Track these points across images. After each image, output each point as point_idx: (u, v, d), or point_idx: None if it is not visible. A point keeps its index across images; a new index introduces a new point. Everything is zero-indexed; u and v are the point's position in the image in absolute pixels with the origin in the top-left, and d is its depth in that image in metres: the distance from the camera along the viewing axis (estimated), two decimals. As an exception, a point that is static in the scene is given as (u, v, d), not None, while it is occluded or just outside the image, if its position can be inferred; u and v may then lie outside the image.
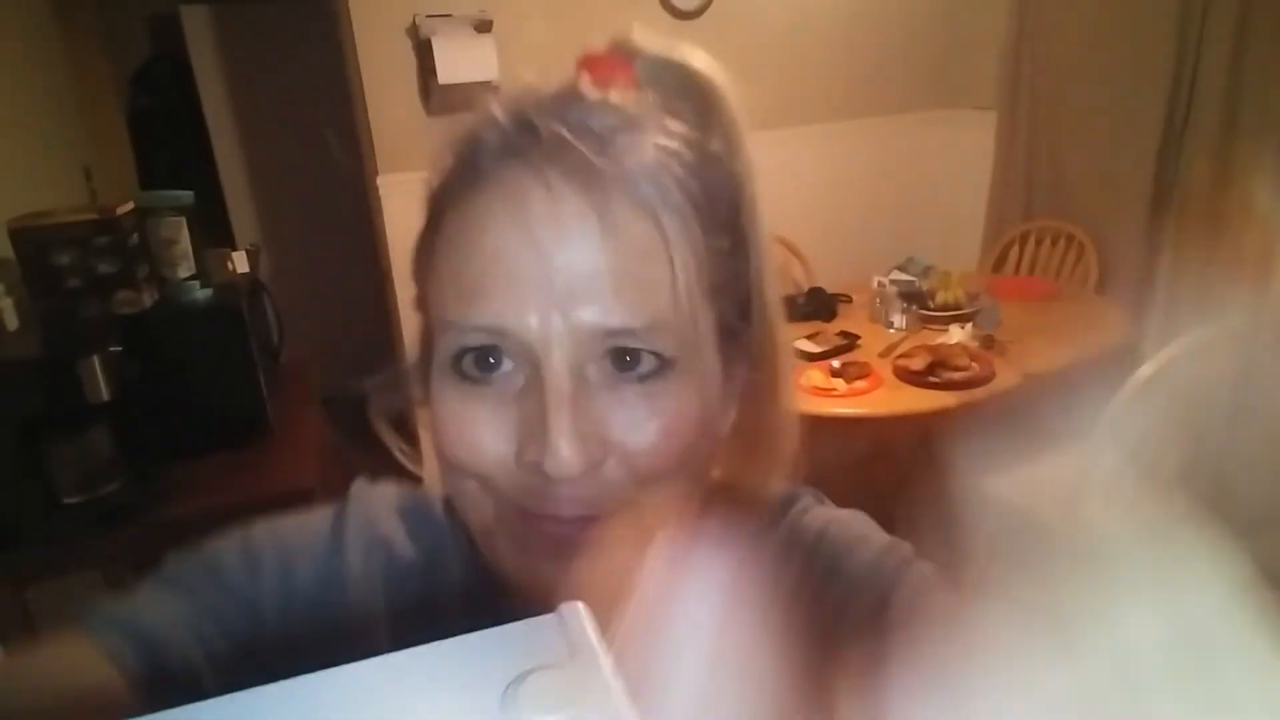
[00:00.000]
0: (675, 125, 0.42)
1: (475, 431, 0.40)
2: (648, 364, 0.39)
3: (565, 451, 0.36)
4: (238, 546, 0.51)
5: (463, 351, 0.40)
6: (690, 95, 0.44)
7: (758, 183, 0.47)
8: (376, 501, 0.54)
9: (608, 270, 0.37)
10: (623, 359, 0.39)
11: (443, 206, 0.43)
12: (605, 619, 0.38)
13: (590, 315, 0.37)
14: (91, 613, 0.45)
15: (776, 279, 0.46)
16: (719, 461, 0.48)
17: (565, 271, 0.37)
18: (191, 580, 0.49)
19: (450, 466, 0.42)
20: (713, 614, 0.32)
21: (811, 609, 0.47)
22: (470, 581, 0.49)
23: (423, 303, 0.45)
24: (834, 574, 0.50)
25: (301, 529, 0.53)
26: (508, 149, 0.40)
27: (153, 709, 0.27)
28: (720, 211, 0.42)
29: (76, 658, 0.41)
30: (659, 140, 0.40)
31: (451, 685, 0.34)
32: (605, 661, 0.34)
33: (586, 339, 0.38)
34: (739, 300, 0.44)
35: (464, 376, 0.40)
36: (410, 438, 0.54)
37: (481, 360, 0.40)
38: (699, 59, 0.46)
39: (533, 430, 0.38)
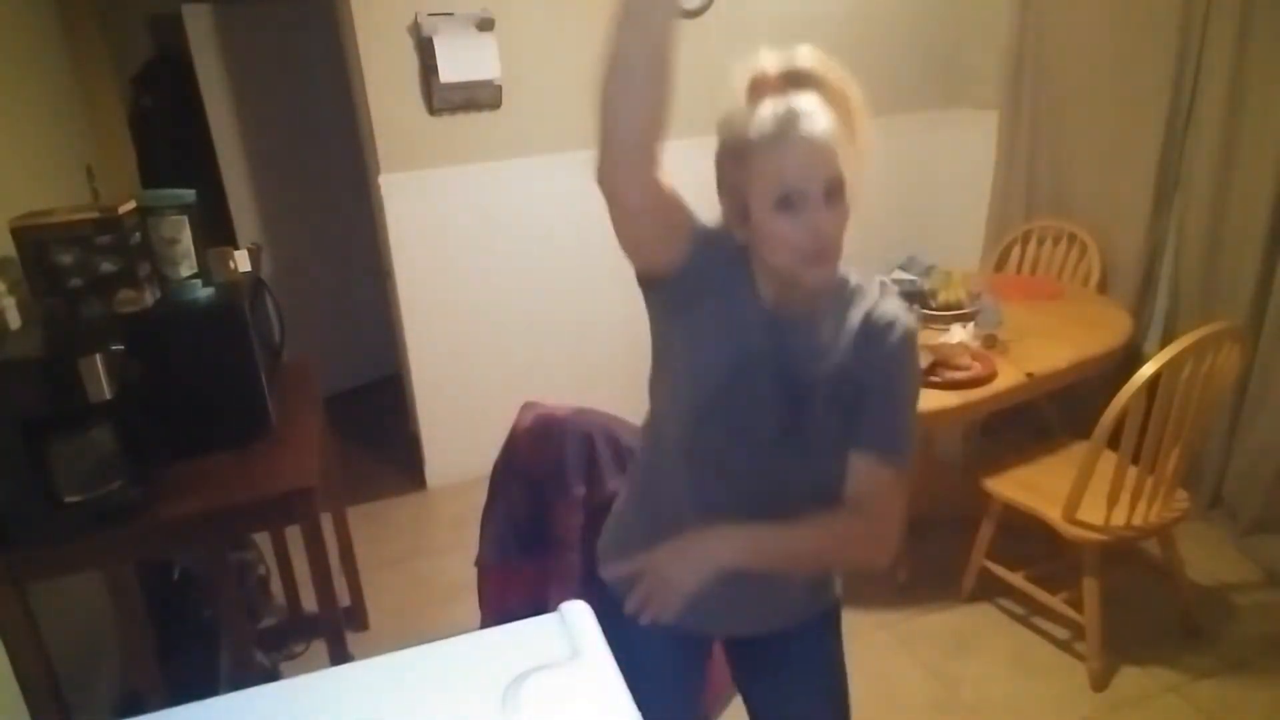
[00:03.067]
0: (814, 100, 0.99)
1: (792, 229, 0.98)
2: (837, 193, 0.98)
3: (825, 223, 0.98)
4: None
5: (782, 196, 0.97)
6: (810, 81, 1.00)
7: (859, 108, 1.03)
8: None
9: (827, 163, 0.97)
10: (831, 192, 0.97)
11: (747, 150, 0.99)
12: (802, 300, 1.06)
13: (819, 178, 0.97)
14: None
15: (867, 157, 1.03)
16: None
17: (818, 165, 0.97)
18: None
19: (773, 248, 1.01)
20: None
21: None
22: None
23: (734, 190, 1.02)
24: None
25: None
26: (780, 129, 0.97)
27: None
28: (843, 128, 1.00)
29: (686, 212, 1.07)
30: (821, 114, 0.98)
31: (452, 685, 0.34)
32: (606, 661, 0.34)
33: (820, 186, 0.97)
34: (848, 165, 1.00)
35: (781, 209, 0.97)
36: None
37: (790, 198, 0.96)
38: (804, 56, 1.01)
39: (813, 221, 0.97)
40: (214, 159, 3.62)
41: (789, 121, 0.95)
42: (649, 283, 1.08)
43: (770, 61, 0.99)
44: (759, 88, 0.99)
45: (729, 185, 1.02)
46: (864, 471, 1.05)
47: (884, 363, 1.07)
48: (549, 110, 2.91)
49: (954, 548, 2.44)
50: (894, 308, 1.10)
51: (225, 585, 2.22)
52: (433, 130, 2.83)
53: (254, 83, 3.61)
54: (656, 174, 0.95)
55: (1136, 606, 2.31)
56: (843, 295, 1.10)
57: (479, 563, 1.85)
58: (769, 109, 0.96)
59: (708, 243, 1.04)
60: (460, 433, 3.14)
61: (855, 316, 1.09)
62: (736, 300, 1.06)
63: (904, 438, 1.07)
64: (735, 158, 1.00)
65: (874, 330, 1.07)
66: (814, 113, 0.96)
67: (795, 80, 0.98)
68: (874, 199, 3.43)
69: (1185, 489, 2.14)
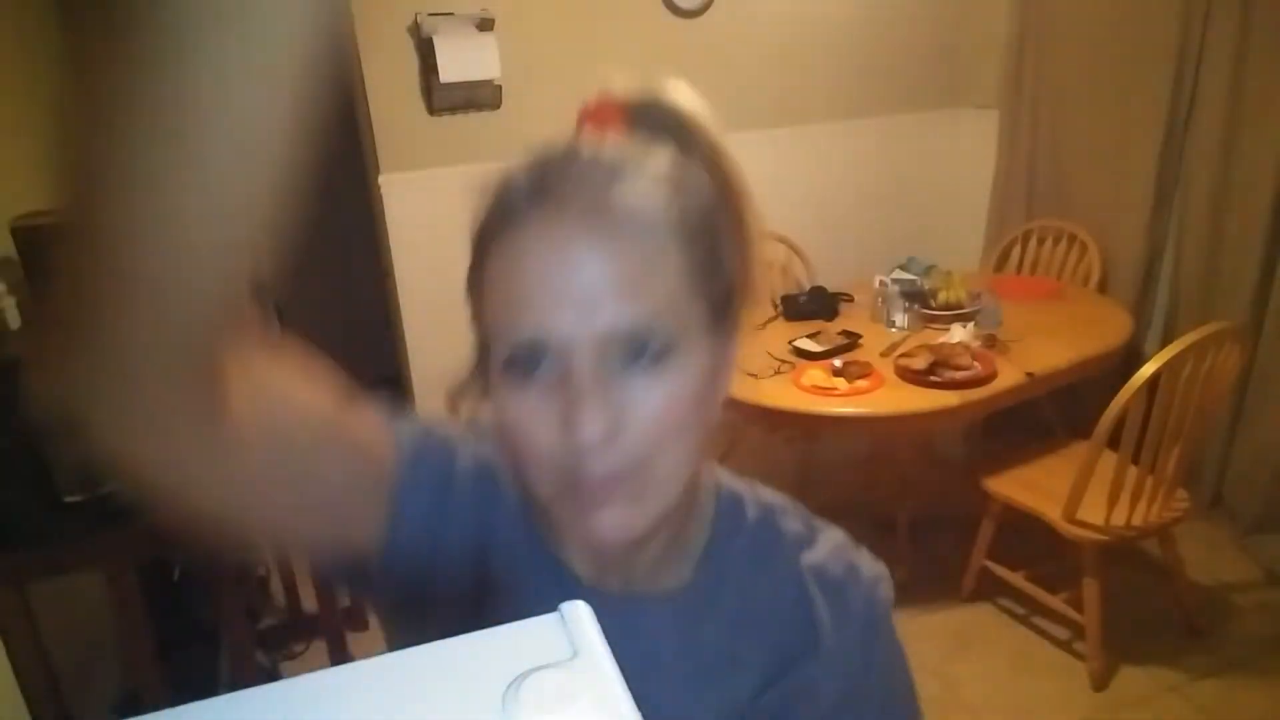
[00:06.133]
0: (659, 160, 0.53)
1: (528, 419, 0.50)
2: (652, 350, 0.49)
3: (593, 422, 0.47)
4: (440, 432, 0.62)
5: (513, 356, 0.50)
6: (670, 126, 0.55)
7: (745, 187, 0.59)
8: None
9: (614, 283, 0.48)
10: (633, 349, 0.49)
11: (486, 245, 0.52)
12: (633, 560, 0.58)
13: (605, 318, 0.48)
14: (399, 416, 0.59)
15: (763, 268, 0.60)
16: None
17: (583, 289, 0.48)
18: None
19: (510, 451, 0.53)
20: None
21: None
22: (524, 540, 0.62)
23: (478, 321, 0.54)
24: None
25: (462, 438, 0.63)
26: (532, 201, 0.50)
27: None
28: (703, 221, 0.53)
29: (373, 424, 0.56)
30: (645, 177, 0.51)
31: (452, 685, 0.34)
32: (607, 661, 0.34)
33: (604, 336, 0.48)
34: (724, 291, 0.55)
35: (515, 376, 0.50)
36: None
37: (528, 361, 0.50)
38: (676, 91, 0.57)
39: (568, 411, 0.48)
40: (214, 159, 3.62)
41: (548, 178, 0.51)
42: (355, 584, 0.67)
43: (614, 88, 0.57)
44: (582, 121, 0.57)
45: (475, 319, 0.55)
46: None
47: (861, 656, 0.65)
48: (549, 110, 2.90)
49: (954, 548, 2.44)
50: (846, 555, 0.66)
51: (225, 585, 2.22)
52: (433, 130, 2.83)
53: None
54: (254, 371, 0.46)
55: (1136, 606, 2.31)
56: (728, 533, 0.63)
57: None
58: (540, 153, 0.53)
59: (443, 462, 0.59)
60: (460, 433, 3.14)
61: (779, 575, 0.63)
62: (533, 575, 0.60)
63: None
64: (474, 258, 0.54)
65: (828, 596, 0.63)
66: (621, 170, 0.51)
67: (646, 119, 0.55)
68: (874, 199, 3.42)
69: (1185, 489, 2.14)
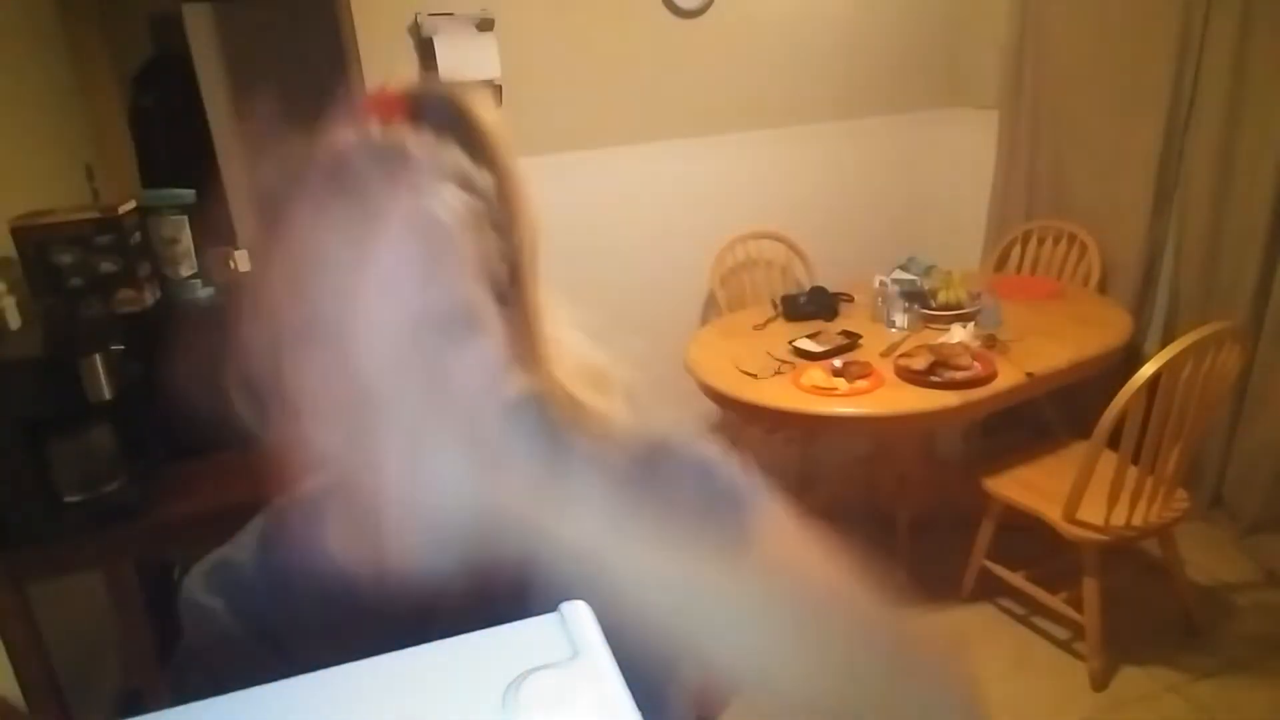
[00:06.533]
0: (448, 155, 0.56)
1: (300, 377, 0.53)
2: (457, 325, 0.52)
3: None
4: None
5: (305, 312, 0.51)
6: (452, 121, 0.58)
7: (523, 193, 0.61)
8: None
9: (413, 267, 0.51)
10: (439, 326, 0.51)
11: (274, 222, 0.54)
12: None
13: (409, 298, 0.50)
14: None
15: (538, 266, 0.63)
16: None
17: (383, 271, 0.50)
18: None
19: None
20: None
21: None
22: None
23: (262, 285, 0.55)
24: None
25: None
26: (333, 183, 0.53)
27: None
28: (488, 215, 0.57)
29: None
30: (440, 171, 0.55)
31: (452, 685, 0.34)
32: (607, 661, 0.34)
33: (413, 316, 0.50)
34: (507, 279, 0.60)
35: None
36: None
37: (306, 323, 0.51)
38: (463, 92, 0.60)
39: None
40: (214, 158, 3.62)
41: (346, 165, 0.54)
42: None
43: (395, 81, 0.59)
44: (366, 109, 0.58)
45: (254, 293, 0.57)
46: None
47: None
48: (549, 110, 2.91)
49: (954, 548, 2.44)
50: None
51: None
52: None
53: (254, 83, 3.61)
54: None
55: (1136, 606, 2.31)
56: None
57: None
58: (335, 138, 0.56)
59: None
60: (460, 433, 3.14)
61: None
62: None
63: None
64: (262, 234, 0.56)
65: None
66: (422, 160, 0.54)
67: (429, 113, 0.57)
68: (874, 199, 3.42)
69: (1185, 489, 2.13)
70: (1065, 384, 2.30)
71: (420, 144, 0.55)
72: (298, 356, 0.53)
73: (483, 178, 0.57)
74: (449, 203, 0.54)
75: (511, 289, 0.61)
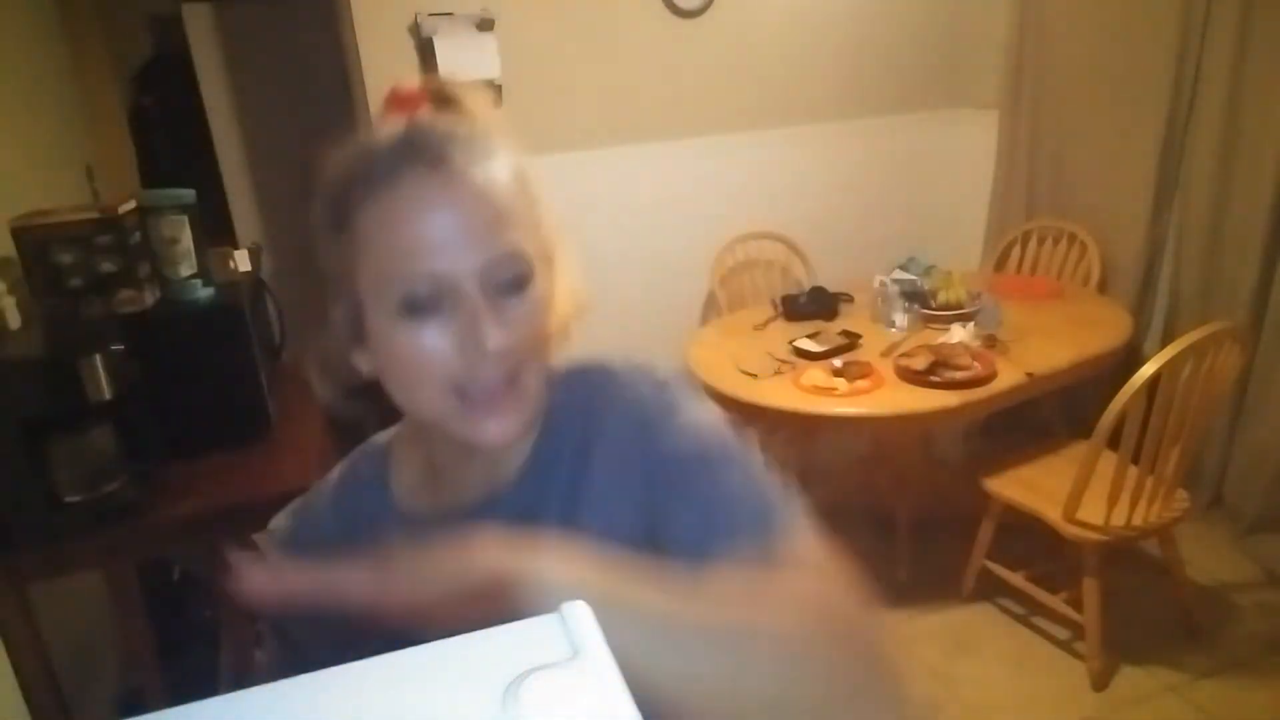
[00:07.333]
0: (470, 128, 0.62)
1: (425, 349, 0.59)
2: (515, 281, 0.60)
3: (495, 335, 0.57)
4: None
5: (407, 299, 0.58)
6: (465, 109, 0.64)
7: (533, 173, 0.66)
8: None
9: (482, 227, 0.58)
10: (504, 277, 0.59)
11: (348, 209, 0.60)
12: (500, 469, 0.67)
13: (481, 253, 0.58)
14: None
15: (560, 232, 0.67)
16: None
17: (461, 233, 0.58)
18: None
19: (407, 383, 0.62)
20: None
21: None
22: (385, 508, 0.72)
23: (346, 280, 0.62)
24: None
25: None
26: (401, 167, 0.58)
27: None
28: (520, 175, 0.63)
29: None
30: (470, 140, 0.61)
31: (452, 685, 0.34)
32: (607, 661, 0.34)
33: (483, 267, 0.58)
34: (548, 235, 0.65)
35: (409, 316, 0.59)
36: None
37: (425, 300, 0.58)
38: (455, 81, 0.66)
39: (468, 332, 0.58)
40: (214, 158, 3.62)
41: (418, 146, 0.59)
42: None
43: (407, 80, 0.65)
44: (393, 107, 0.64)
45: (334, 279, 0.63)
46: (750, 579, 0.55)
47: (676, 462, 0.63)
48: (549, 110, 2.91)
49: (954, 548, 2.44)
50: (648, 386, 0.67)
51: (225, 585, 2.22)
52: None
53: (254, 83, 3.61)
54: None
55: (1136, 606, 2.31)
56: (566, 413, 0.68)
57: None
58: (388, 129, 0.60)
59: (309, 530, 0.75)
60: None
61: (613, 433, 0.66)
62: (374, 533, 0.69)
63: (765, 506, 0.61)
64: (333, 226, 0.61)
65: (637, 430, 0.65)
66: (469, 138, 0.60)
67: (445, 101, 0.64)
68: (874, 199, 3.42)
69: (1185, 489, 2.14)
70: (1065, 384, 2.31)
71: (478, 127, 0.62)
72: (380, 324, 0.60)
73: (519, 157, 0.64)
74: (509, 170, 0.61)
75: (549, 254, 0.66)
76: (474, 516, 0.57)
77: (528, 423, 0.63)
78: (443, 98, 0.64)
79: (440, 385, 0.60)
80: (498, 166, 0.60)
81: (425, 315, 0.58)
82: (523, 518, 0.59)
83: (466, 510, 0.66)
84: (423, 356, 0.59)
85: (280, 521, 0.77)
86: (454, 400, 0.60)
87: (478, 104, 0.65)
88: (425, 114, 0.63)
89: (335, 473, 0.77)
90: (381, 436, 0.77)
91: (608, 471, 0.65)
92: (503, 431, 0.61)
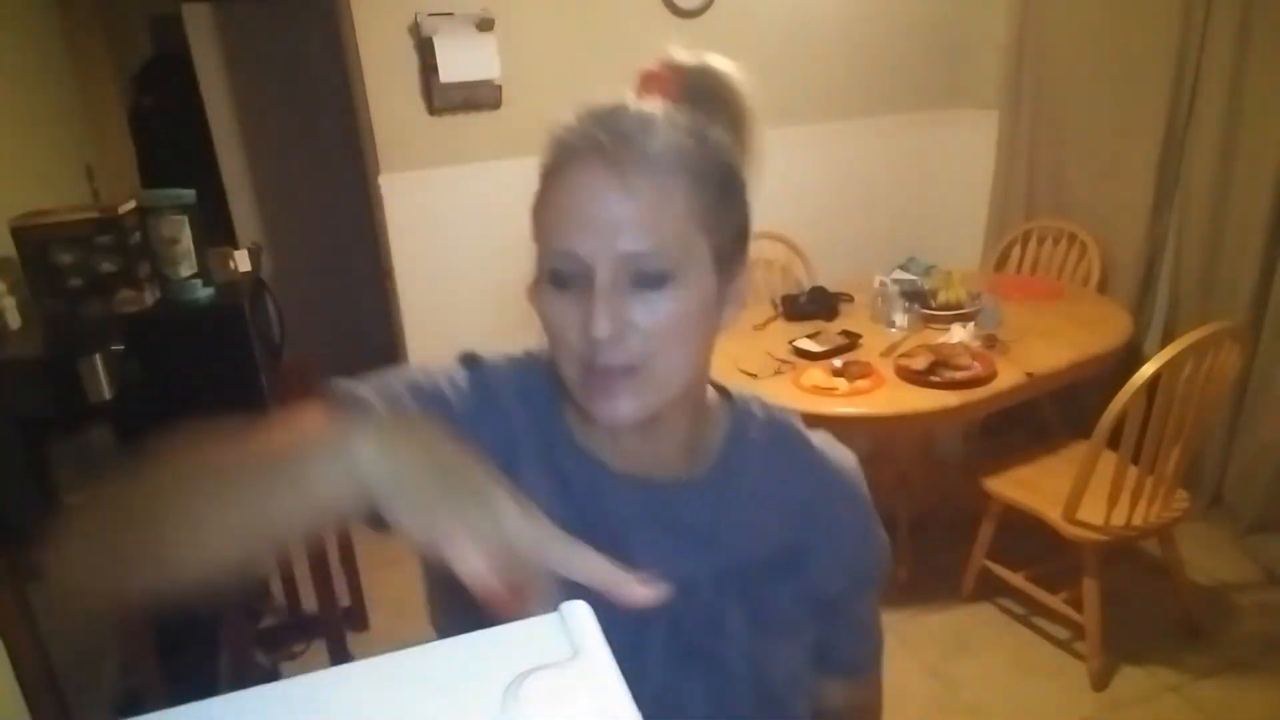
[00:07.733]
0: (681, 119, 0.63)
1: (561, 318, 0.63)
2: (655, 276, 0.61)
3: (604, 324, 0.60)
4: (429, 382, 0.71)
5: (553, 268, 0.63)
6: (710, 93, 0.67)
7: (758, 159, 0.70)
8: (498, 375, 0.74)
9: (632, 217, 0.60)
10: (642, 271, 0.61)
11: (546, 180, 0.64)
12: (650, 449, 0.72)
13: (621, 244, 0.60)
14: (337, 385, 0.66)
15: (744, 239, 0.70)
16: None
17: (608, 219, 0.60)
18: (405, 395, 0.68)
19: (551, 341, 0.65)
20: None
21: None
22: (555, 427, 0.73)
23: (537, 241, 0.65)
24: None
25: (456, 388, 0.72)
26: (580, 146, 0.62)
27: None
28: (717, 174, 0.64)
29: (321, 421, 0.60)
30: (669, 132, 0.62)
31: (452, 685, 0.34)
32: (607, 660, 0.34)
33: (619, 258, 0.60)
34: (731, 236, 0.66)
35: (554, 284, 0.63)
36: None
37: (565, 273, 0.62)
38: (719, 63, 0.69)
39: (585, 316, 0.61)
40: (214, 158, 3.62)
41: (596, 128, 0.62)
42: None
43: (669, 54, 0.68)
44: (644, 84, 0.68)
45: (533, 217, 0.67)
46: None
47: (842, 531, 0.82)
48: (549, 110, 2.89)
49: (954, 548, 2.44)
50: (836, 444, 0.84)
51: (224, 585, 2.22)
52: (432, 130, 2.83)
53: (254, 83, 3.61)
54: None
55: (1136, 606, 2.31)
56: (742, 428, 0.78)
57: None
58: (583, 108, 0.65)
59: (479, 395, 0.71)
60: (460, 433, 3.13)
61: (793, 460, 0.79)
62: (565, 462, 0.71)
63: (876, 642, 0.88)
64: (541, 174, 0.67)
65: (833, 479, 0.81)
66: (653, 125, 0.62)
67: (694, 86, 0.67)
68: (874, 199, 3.41)
69: (1185, 489, 2.14)
70: (1065, 384, 2.31)
71: (668, 109, 0.64)
72: (540, 279, 0.64)
73: (721, 144, 0.65)
74: (681, 160, 0.62)
75: (731, 255, 0.67)
76: (674, 488, 0.71)
77: (653, 408, 0.65)
78: (693, 82, 0.67)
79: (570, 353, 0.64)
80: (673, 164, 0.61)
81: (564, 288, 0.62)
82: (715, 499, 0.73)
83: (664, 482, 0.72)
84: (557, 324, 0.64)
85: (454, 369, 0.72)
86: (579, 370, 0.64)
87: (732, 96, 0.68)
88: (643, 96, 0.66)
89: (504, 364, 0.74)
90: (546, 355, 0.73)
91: (788, 497, 0.77)
92: (613, 413, 0.64)
